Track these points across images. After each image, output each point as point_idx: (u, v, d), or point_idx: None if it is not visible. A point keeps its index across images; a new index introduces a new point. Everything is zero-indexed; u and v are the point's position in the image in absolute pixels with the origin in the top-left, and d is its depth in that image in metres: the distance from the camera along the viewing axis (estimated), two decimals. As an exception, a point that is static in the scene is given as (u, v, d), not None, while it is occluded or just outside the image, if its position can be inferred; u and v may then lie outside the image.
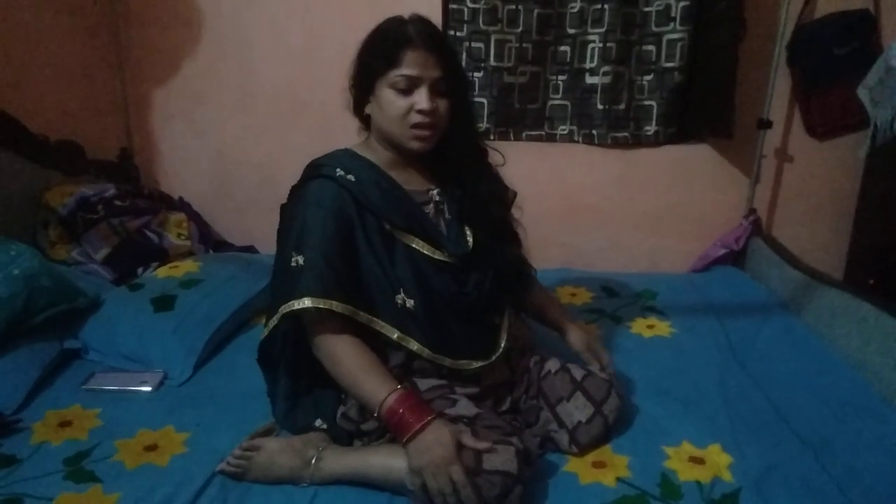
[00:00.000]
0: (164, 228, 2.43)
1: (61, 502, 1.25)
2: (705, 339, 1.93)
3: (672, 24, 2.29)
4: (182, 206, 2.64)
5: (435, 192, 1.46)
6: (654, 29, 2.33)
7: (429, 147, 1.39)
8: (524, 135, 2.53)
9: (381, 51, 1.33)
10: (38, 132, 2.29)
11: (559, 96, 2.49)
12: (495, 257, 1.48)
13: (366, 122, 1.44)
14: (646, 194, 2.55)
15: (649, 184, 2.54)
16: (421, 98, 1.32)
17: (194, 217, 2.60)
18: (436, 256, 1.40)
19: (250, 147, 2.69)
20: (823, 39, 2.28)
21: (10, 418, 1.50)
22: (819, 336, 1.91)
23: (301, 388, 1.47)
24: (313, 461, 1.30)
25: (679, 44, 2.30)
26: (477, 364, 1.41)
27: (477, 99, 2.44)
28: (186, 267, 2.08)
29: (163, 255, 2.31)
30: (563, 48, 2.43)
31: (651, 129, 2.43)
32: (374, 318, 1.33)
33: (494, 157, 1.52)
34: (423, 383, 1.39)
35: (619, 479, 1.32)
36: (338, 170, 1.37)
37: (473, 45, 2.41)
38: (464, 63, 2.34)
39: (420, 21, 1.34)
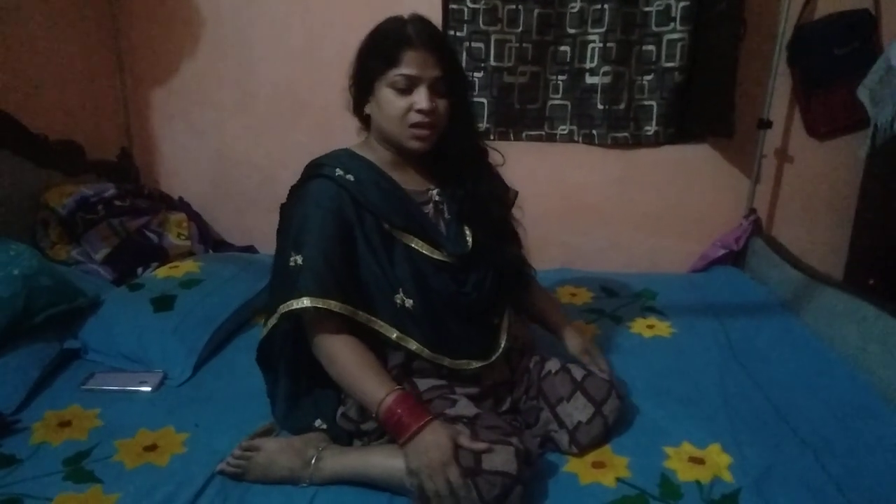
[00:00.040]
0: (163, 228, 2.43)
1: (61, 502, 1.25)
2: (705, 340, 1.93)
3: (672, 24, 2.29)
4: (182, 206, 2.64)
5: (434, 191, 1.46)
6: (655, 29, 2.33)
7: (428, 147, 1.38)
8: (524, 135, 2.53)
9: (380, 50, 1.33)
10: (38, 132, 2.28)
11: (559, 96, 2.49)
12: (495, 257, 1.48)
13: (365, 121, 1.44)
14: (646, 194, 2.55)
15: (649, 184, 2.54)
16: (420, 98, 1.32)
17: (194, 217, 2.60)
18: (435, 256, 1.40)
19: (250, 147, 2.69)
20: (823, 39, 2.28)
21: (10, 418, 1.50)
22: (819, 336, 1.90)
23: (301, 388, 1.47)
24: (313, 461, 1.30)
25: (679, 44, 2.30)
26: (476, 364, 1.41)
27: (477, 99, 2.44)
28: (186, 267, 2.08)
29: (163, 255, 2.31)
30: (563, 48, 2.43)
31: (651, 129, 2.43)
32: (373, 318, 1.33)
33: (494, 157, 1.52)
34: (423, 383, 1.39)
35: (618, 480, 1.32)
36: (337, 170, 1.37)
37: (473, 45, 2.41)
38: (464, 63, 2.35)
39: (419, 21, 1.34)
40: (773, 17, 2.31)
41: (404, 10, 1.37)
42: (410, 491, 1.21)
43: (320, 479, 1.29)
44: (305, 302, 1.27)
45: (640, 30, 2.35)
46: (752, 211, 2.51)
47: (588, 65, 2.42)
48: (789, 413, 1.54)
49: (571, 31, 2.40)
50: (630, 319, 2.06)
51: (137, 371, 1.74)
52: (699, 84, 2.34)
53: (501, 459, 1.19)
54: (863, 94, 2.11)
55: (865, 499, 1.26)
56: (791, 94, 2.40)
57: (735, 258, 2.53)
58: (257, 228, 2.64)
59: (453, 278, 1.42)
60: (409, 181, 1.44)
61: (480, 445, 1.20)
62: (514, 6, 2.36)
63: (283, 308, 1.30)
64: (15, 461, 1.37)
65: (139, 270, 2.23)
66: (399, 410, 1.23)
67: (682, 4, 2.26)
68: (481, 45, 2.40)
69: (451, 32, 2.39)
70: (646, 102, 2.41)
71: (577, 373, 1.47)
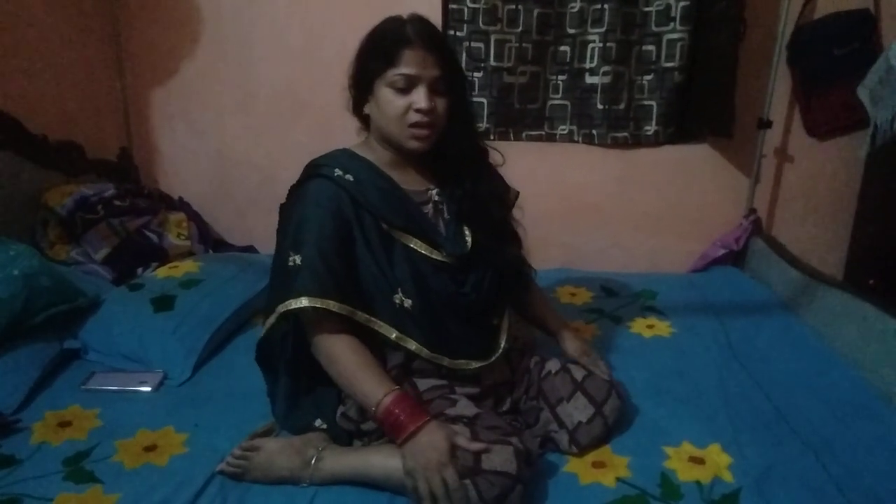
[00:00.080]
0: (163, 228, 2.43)
1: (61, 502, 1.25)
2: (705, 339, 1.93)
3: (672, 23, 2.29)
4: (182, 205, 2.64)
5: (434, 191, 1.46)
6: (654, 29, 2.33)
7: (427, 147, 1.38)
8: (524, 135, 2.53)
9: (379, 50, 1.33)
10: (38, 132, 2.29)
11: (559, 96, 2.49)
12: (494, 258, 1.47)
13: (365, 121, 1.45)
14: (646, 194, 2.55)
15: (649, 184, 2.54)
16: (419, 97, 1.32)
17: (194, 217, 2.60)
18: (434, 256, 1.40)
19: (250, 147, 2.69)
20: (823, 39, 2.28)
21: (10, 418, 1.50)
22: (819, 336, 1.90)
23: (301, 388, 1.47)
24: (313, 461, 1.30)
25: (679, 44, 2.30)
26: (475, 364, 1.41)
27: (477, 99, 2.44)
28: (186, 267, 2.08)
29: (162, 255, 2.31)
30: (562, 48, 2.43)
31: (651, 128, 2.43)
32: (373, 318, 1.33)
33: (494, 157, 1.52)
34: (423, 383, 1.39)
35: (618, 480, 1.32)
36: (336, 170, 1.37)
37: (473, 44, 2.41)
38: (464, 63, 2.35)
39: (419, 21, 1.34)
40: (773, 17, 2.31)
41: (404, 10, 1.37)
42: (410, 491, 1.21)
43: (320, 479, 1.29)
44: (304, 302, 1.27)
45: (639, 30, 2.35)
46: (752, 211, 2.50)
47: (588, 65, 2.42)
48: (789, 413, 1.54)
49: (571, 31, 2.40)
50: (630, 319, 2.06)
51: (137, 371, 1.74)
52: (699, 84, 2.34)
53: (501, 459, 1.19)
54: (862, 93, 2.10)
55: (865, 499, 1.26)
56: (791, 94, 2.40)
57: (735, 258, 2.53)
58: (257, 228, 2.64)
59: (452, 278, 1.42)
60: (409, 181, 1.44)
61: (477, 446, 1.20)
62: (513, 6, 2.36)
63: (282, 308, 1.30)
64: (15, 461, 1.37)
65: (139, 270, 2.22)
66: (397, 411, 1.23)
67: (681, 4, 2.26)
68: (481, 44, 2.40)
69: (451, 32, 2.39)
70: (646, 102, 2.41)
71: (578, 373, 1.47)
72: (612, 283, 2.33)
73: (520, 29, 2.39)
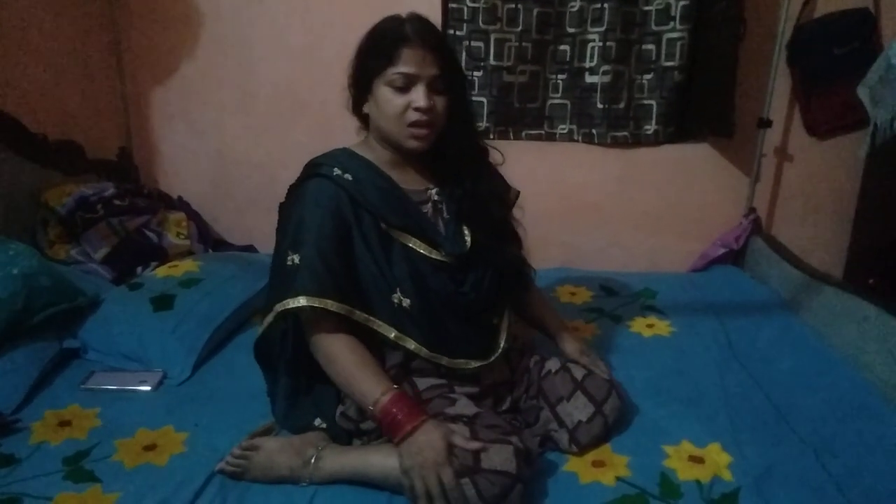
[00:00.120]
0: (163, 228, 2.43)
1: (60, 502, 1.25)
2: (705, 339, 1.93)
3: (672, 23, 2.29)
4: (181, 205, 2.64)
5: (433, 191, 1.46)
6: (654, 28, 2.33)
7: (426, 146, 1.38)
8: (524, 134, 2.53)
9: (378, 49, 1.33)
10: (38, 132, 2.28)
11: (559, 95, 2.49)
12: (494, 257, 1.47)
13: (364, 121, 1.44)
14: (645, 193, 2.55)
15: (649, 183, 2.54)
16: (418, 95, 1.32)
17: (194, 216, 2.60)
18: (433, 256, 1.39)
19: (250, 146, 2.69)
20: (823, 39, 2.28)
21: (10, 418, 1.50)
22: (819, 335, 1.90)
23: (300, 388, 1.47)
24: (312, 460, 1.30)
25: (679, 43, 2.30)
26: (475, 364, 1.41)
27: (476, 98, 2.44)
28: (186, 266, 2.08)
29: (162, 255, 2.31)
30: (562, 47, 2.43)
31: (651, 128, 2.43)
32: (371, 318, 1.33)
33: (494, 157, 1.52)
34: (423, 382, 1.39)
35: (618, 479, 1.32)
36: (335, 169, 1.37)
37: (473, 44, 2.40)
38: (463, 62, 2.35)
39: (418, 20, 1.34)
40: (773, 17, 2.31)
41: (403, 10, 1.37)
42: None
43: (320, 478, 1.29)
44: (302, 301, 1.27)
45: (639, 29, 2.35)
46: (752, 210, 2.50)
47: (588, 64, 2.41)
48: (789, 412, 1.54)
49: (571, 30, 2.40)
50: (630, 318, 2.06)
51: (137, 370, 1.74)
52: (699, 83, 2.34)
53: (501, 458, 1.19)
54: (862, 93, 2.10)
55: (865, 498, 1.26)
56: (791, 94, 2.40)
57: (735, 257, 2.53)
58: (257, 228, 2.64)
59: (451, 278, 1.41)
60: (408, 180, 1.44)
61: (474, 444, 1.20)
62: (513, 5, 2.36)
63: (280, 307, 1.30)
64: (14, 461, 1.37)
65: (138, 270, 2.22)
66: (394, 410, 1.23)
67: (681, 3, 2.25)
68: (481, 44, 2.40)
69: (451, 31, 2.39)
70: (645, 101, 2.41)
71: (578, 372, 1.47)
72: (611, 283, 2.33)
73: (519, 28, 2.39)
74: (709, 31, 2.27)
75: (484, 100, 2.45)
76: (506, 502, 1.17)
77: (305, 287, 1.28)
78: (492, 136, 2.45)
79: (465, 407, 1.33)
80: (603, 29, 2.35)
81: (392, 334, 1.34)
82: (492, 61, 2.41)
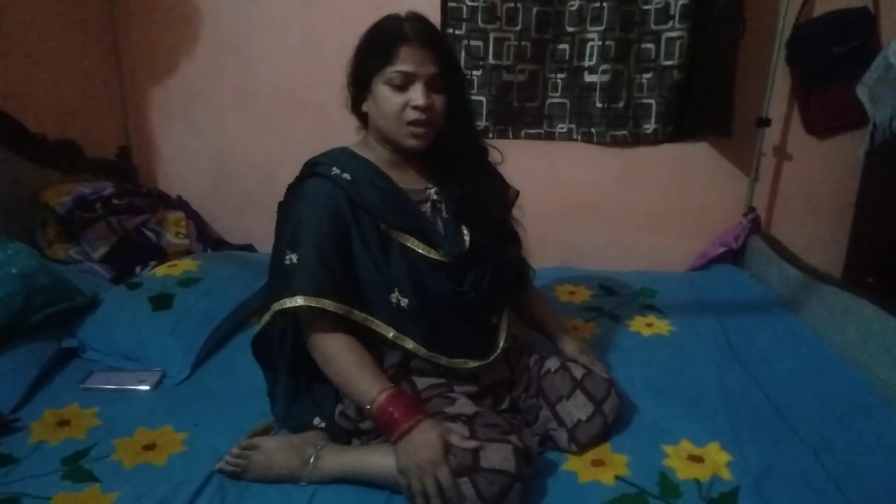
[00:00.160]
0: (162, 227, 2.42)
1: (59, 502, 1.25)
2: (704, 338, 1.93)
3: (671, 22, 2.29)
4: (180, 204, 2.64)
5: (432, 190, 1.45)
6: (653, 27, 2.33)
7: (425, 144, 1.38)
8: (523, 133, 2.52)
9: (377, 47, 1.33)
10: (37, 131, 2.28)
11: (558, 94, 2.49)
12: (493, 257, 1.47)
13: (364, 120, 1.44)
14: (645, 193, 2.55)
15: (648, 182, 2.54)
16: (416, 94, 1.31)
17: (193, 216, 2.60)
18: (431, 256, 1.39)
19: (249, 146, 2.69)
20: (823, 38, 2.28)
21: (8, 417, 1.49)
22: (818, 334, 1.90)
23: (300, 387, 1.47)
24: (312, 460, 1.30)
25: (678, 42, 2.30)
26: (473, 363, 1.41)
27: (476, 97, 2.44)
28: (185, 266, 2.08)
29: (161, 254, 2.30)
30: (561, 46, 2.43)
31: (650, 127, 2.43)
32: (370, 317, 1.33)
33: (493, 156, 1.52)
34: (422, 382, 1.39)
35: (617, 478, 1.32)
36: (334, 168, 1.37)
37: (472, 43, 2.40)
38: (462, 61, 2.35)
39: (416, 18, 1.34)
40: (772, 16, 2.30)
41: (403, 9, 1.37)
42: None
43: (319, 477, 1.29)
44: (299, 301, 1.27)
45: (638, 28, 2.35)
46: (752, 209, 2.50)
47: (587, 63, 2.41)
48: (788, 411, 1.54)
49: (570, 29, 2.40)
50: (629, 318, 2.06)
51: (136, 370, 1.74)
52: (698, 82, 2.34)
53: (500, 458, 1.19)
54: (862, 92, 2.10)
55: (865, 497, 1.26)
56: (790, 93, 2.40)
57: (734, 256, 2.53)
58: (256, 227, 2.63)
59: (450, 278, 1.41)
60: (407, 180, 1.44)
61: (472, 443, 1.20)
62: (512, 4, 2.36)
63: (277, 306, 1.30)
64: (13, 460, 1.37)
65: (137, 269, 2.22)
66: (391, 409, 1.23)
67: (680, 2, 2.25)
68: (480, 43, 2.40)
69: (450, 30, 2.39)
70: (645, 101, 2.41)
71: (577, 371, 1.47)
72: (611, 282, 2.33)
73: (519, 27, 2.39)
74: (708, 30, 2.27)
75: (483, 99, 2.45)
76: (505, 501, 1.17)
77: (303, 287, 1.27)
78: (491, 136, 2.45)
79: (464, 406, 1.33)
80: (602, 28, 2.35)
81: (390, 334, 1.34)
82: (491, 60, 2.41)
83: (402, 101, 1.32)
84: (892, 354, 1.62)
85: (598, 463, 1.36)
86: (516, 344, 1.56)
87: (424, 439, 1.19)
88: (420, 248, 1.39)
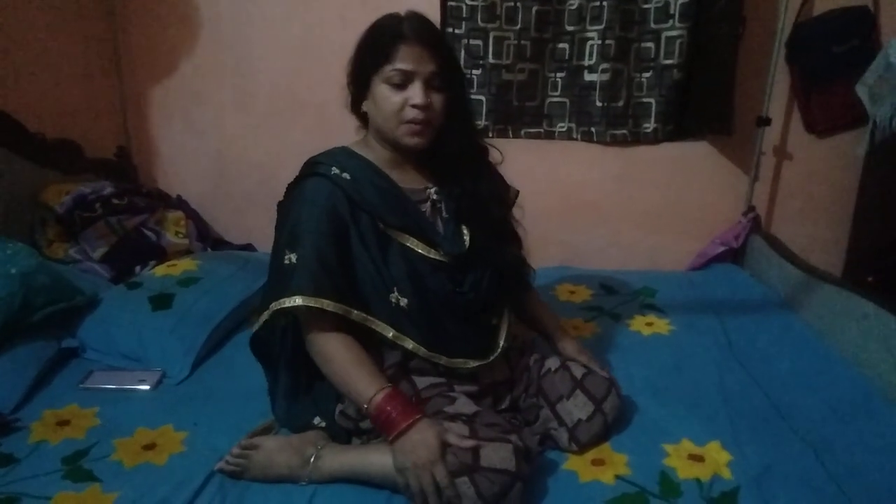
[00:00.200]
0: (161, 227, 2.42)
1: (59, 501, 1.25)
2: (704, 337, 1.93)
3: (671, 21, 2.29)
4: (180, 204, 2.64)
5: (432, 190, 1.45)
6: (653, 26, 2.33)
7: (424, 143, 1.38)
8: (523, 132, 2.52)
9: (375, 46, 1.33)
10: (36, 131, 2.28)
11: (558, 93, 2.49)
12: (493, 257, 1.47)
13: (363, 119, 1.44)
14: (645, 192, 2.55)
15: (648, 181, 2.53)
16: (415, 92, 1.31)
17: (192, 215, 2.60)
18: (431, 256, 1.39)
19: (249, 146, 2.69)
20: (822, 37, 2.28)
21: (8, 417, 1.49)
22: (818, 334, 1.90)
23: (300, 386, 1.47)
24: (312, 460, 1.30)
25: (678, 41, 2.30)
26: (473, 363, 1.41)
27: (475, 96, 2.44)
28: (184, 265, 2.08)
29: (161, 254, 2.31)
30: (561, 45, 2.43)
31: (650, 126, 2.43)
32: (369, 317, 1.33)
33: (493, 155, 1.52)
34: (422, 381, 1.39)
35: (618, 477, 1.32)
36: (333, 168, 1.37)
37: (472, 42, 2.40)
38: (462, 60, 2.35)
39: (415, 17, 1.34)
40: (772, 15, 2.30)
41: (402, 8, 1.37)
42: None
43: (319, 477, 1.29)
44: (298, 301, 1.27)
45: (638, 27, 2.35)
46: (752, 208, 2.50)
47: (587, 62, 2.41)
48: (789, 411, 1.54)
49: (570, 28, 2.40)
50: (629, 317, 2.05)
51: (136, 370, 1.74)
52: (698, 81, 2.34)
53: (500, 457, 1.18)
54: (861, 91, 2.10)
55: (865, 497, 1.25)
56: (790, 92, 2.40)
57: (734, 255, 2.53)
58: (256, 227, 2.63)
59: (450, 278, 1.41)
60: (407, 179, 1.43)
61: (469, 442, 1.19)
62: (512, 3, 2.36)
63: (276, 305, 1.30)
64: (13, 460, 1.37)
65: (137, 269, 2.22)
66: (388, 408, 1.23)
67: (680, 2, 2.25)
68: (479, 42, 2.40)
69: (450, 30, 2.39)
70: (644, 100, 2.41)
71: (577, 371, 1.47)
72: (611, 281, 2.33)
73: (518, 26, 2.38)
74: (708, 30, 2.27)
75: (483, 98, 2.45)
76: (505, 501, 1.17)
77: (301, 286, 1.27)
78: (490, 135, 2.45)
79: (464, 405, 1.33)
80: (602, 27, 2.35)
81: (390, 333, 1.34)
82: (490, 59, 2.41)
83: (400, 99, 1.32)
84: (893, 354, 1.62)
85: (598, 462, 1.36)
86: (516, 343, 1.56)
87: (421, 438, 1.19)
88: (420, 248, 1.38)
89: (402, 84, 1.32)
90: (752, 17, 2.27)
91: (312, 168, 1.39)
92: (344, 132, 1.51)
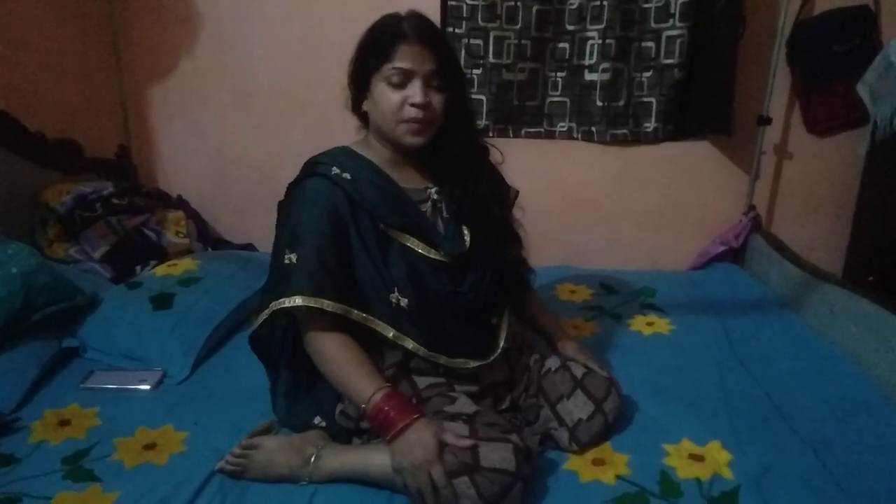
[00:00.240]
0: (162, 226, 2.42)
1: (60, 501, 1.25)
2: (705, 337, 1.92)
3: (671, 20, 2.29)
4: (180, 203, 2.64)
5: (433, 190, 1.45)
6: (654, 25, 2.32)
7: (423, 142, 1.38)
8: (523, 132, 2.52)
9: (375, 46, 1.33)
10: (36, 130, 2.28)
11: (558, 93, 2.49)
12: (493, 257, 1.47)
13: (364, 119, 1.44)
14: (645, 191, 2.55)
15: (649, 181, 2.53)
16: (414, 91, 1.31)
17: (193, 215, 2.59)
18: (431, 255, 1.39)
19: (249, 145, 2.69)
20: (823, 36, 2.28)
21: (9, 417, 1.49)
22: (818, 333, 1.90)
23: (301, 385, 1.47)
24: (312, 459, 1.30)
25: (678, 40, 2.29)
26: (473, 363, 1.40)
27: (476, 96, 2.43)
28: (185, 265, 2.08)
29: (161, 254, 2.30)
30: (561, 45, 2.42)
31: (650, 125, 2.43)
32: (369, 317, 1.33)
33: (494, 155, 1.51)
34: (422, 381, 1.39)
35: (618, 477, 1.32)
36: (334, 168, 1.37)
37: (472, 41, 2.40)
38: (462, 60, 2.35)
39: (415, 16, 1.34)
40: (773, 14, 2.30)
41: (402, 7, 1.37)
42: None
43: (319, 477, 1.29)
44: (297, 301, 1.27)
45: (639, 26, 2.35)
46: (752, 208, 2.50)
47: (587, 61, 2.41)
48: (789, 410, 1.54)
49: (570, 27, 2.40)
50: (630, 317, 2.05)
51: (136, 369, 1.74)
52: (698, 81, 2.34)
53: (500, 457, 1.18)
54: (862, 90, 2.10)
55: (865, 496, 1.26)
56: (791, 91, 2.40)
57: (734, 255, 2.53)
58: (256, 227, 2.63)
59: (450, 278, 1.41)
60: (408, 179, 1.43)
61: (467, 442, 1.19)
62: (512, 3, 2.36)
63: (276, 305, 1.30)
64: (14, 460, 1.37)
65: (137, 269, 2.22)
66: (386, 408, 1.23)
67: (681, 1, 2.25)
68: (480, 41, 2.40)
69: (450, 29, 2.39)
70: (645, 99, 2.41)
71: (578, 370, 1.47)
72: (611, 281, 2.33)
73: (519, 25, 2.38)
74: (708, 29, 2.27)
75: (483, 98, 2.45)
76: (505, 501, 1.17)
77: (301, 286, 1.27)
78: (491, 134, 2.45)
79: (464, 405, 1.33)
80: (602, 26, 2.35)
81: (390, 333, 1.34)
82: (491, 59, 2.41)
83: (400, 98, 1.32)
84: (893, 353, 1.62)
85: (598, 462, 1.36)
86: (516, 343, 1.56)
87: (419, 438, 1.19)
88: (420, 248, 1.38)
89: (401, 83, 1.32)
90: (753, 16, 2.27)
91: (313, 168, 1.39)
92: (344, 132, 1.51)
